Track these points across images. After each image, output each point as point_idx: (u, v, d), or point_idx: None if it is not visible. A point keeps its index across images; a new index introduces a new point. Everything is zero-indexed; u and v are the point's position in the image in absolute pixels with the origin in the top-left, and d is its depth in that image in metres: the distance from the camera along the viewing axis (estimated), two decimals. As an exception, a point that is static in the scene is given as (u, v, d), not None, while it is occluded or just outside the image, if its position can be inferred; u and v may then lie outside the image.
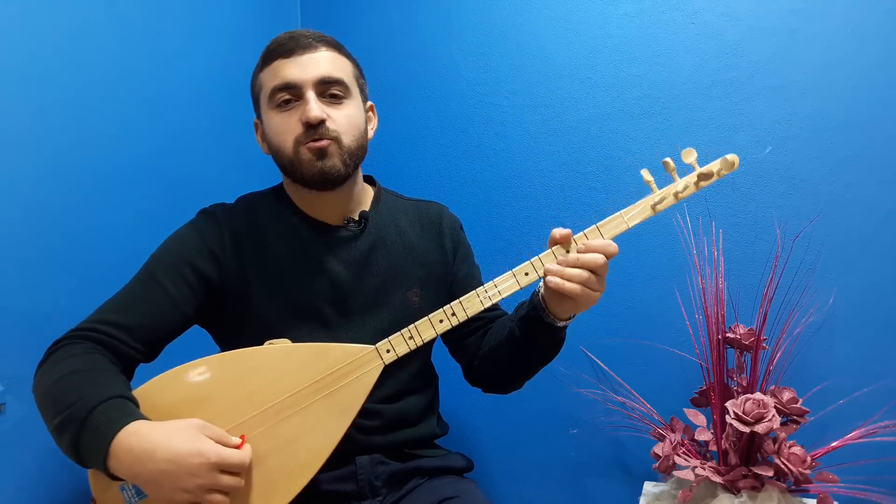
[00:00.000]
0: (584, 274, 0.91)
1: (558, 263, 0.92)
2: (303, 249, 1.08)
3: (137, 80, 1.36)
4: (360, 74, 1.12)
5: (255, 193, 1.15)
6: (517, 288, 0.96)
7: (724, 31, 1.48)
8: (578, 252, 0.92)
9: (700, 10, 1.49)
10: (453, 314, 0.97)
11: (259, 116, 1.10)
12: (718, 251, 1.43)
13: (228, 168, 1.61)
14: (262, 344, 0.98)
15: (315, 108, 1.00)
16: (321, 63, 1.03)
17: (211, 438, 0.86)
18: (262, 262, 1.07)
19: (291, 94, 1.02)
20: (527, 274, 0.96)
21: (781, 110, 1.44)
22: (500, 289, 0.96)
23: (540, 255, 0.96)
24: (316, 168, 1.02)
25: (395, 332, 0.98)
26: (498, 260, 1.66)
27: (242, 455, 0.87)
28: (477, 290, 0.97)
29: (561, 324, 1.00)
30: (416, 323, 0.97)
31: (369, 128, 1.12)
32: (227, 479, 0.85)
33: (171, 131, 1.44)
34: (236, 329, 1.06)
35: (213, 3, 1.58)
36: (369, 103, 1.14)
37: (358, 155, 1.06)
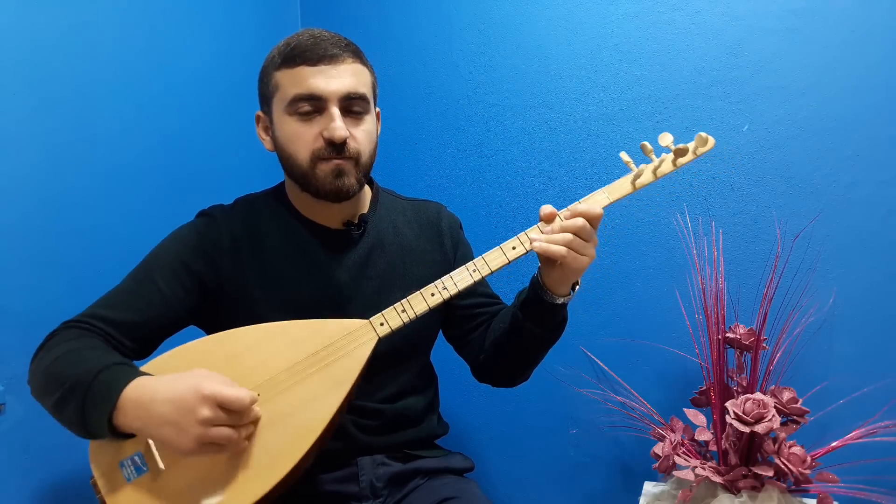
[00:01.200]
0: (568, 236, 0.94)
1: (543, 233, 0.97)
2: (302, 252, 1.08)
3: (136, 79, 1.36)
4: (375, 82, 1.11)
5: (254, 195, 1.15)
6: (505, 261, 0.99)
7: (724, 31, 1.48)
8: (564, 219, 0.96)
9: (700, 10, 1.49)
10: (444, 288, 0.99)
11: (266, 112, 1.08)
12: (718, 251, 1.43)
13: (228, 167, 1.61)
14: None
15: (340, 126, 1.00)
16: (346, 77, 1.02)
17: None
18: (261, 265, 1.06)
19: (314, 105, 1.01)
20: (514, 248, 0.99)
21: (781, 110, 1.44)
22: (488, 262, 0.99)
23: (527, 230, 0.99)
24: (332, 186, 1.02)
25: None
26: (498, 260, 1.66)
27: (240, 392, 0.86)
28: (466, 264, 0.99)
29: (560, 300, 1.01)
30: (409, 297, 0.99)
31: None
32: (227, 412, 0.85)
33: (170, 130, 1.44)
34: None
35: (213, 3, 1.57)
36: (377, 109, 1.14)
37: (369, 169, 1.08)
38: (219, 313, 1.07)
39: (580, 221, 0.94)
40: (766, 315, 1.33)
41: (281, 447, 0.92)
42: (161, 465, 0.91)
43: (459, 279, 0.99)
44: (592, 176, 1.59)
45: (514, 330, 1.06)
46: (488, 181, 1.68)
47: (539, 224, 0.99)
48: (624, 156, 1.00)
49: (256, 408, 0.89)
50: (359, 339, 0.97)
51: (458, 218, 1.24)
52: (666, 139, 0.98)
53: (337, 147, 1.00)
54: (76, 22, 1.23)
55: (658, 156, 0.99)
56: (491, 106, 1.67)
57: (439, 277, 1.15)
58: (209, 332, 1.11)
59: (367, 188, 1.17)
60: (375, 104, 1.12)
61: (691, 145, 0.99)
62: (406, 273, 1.12)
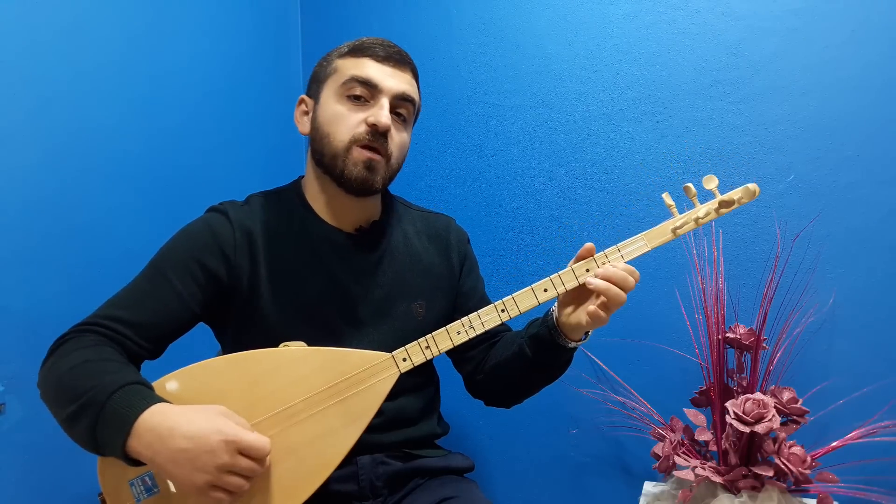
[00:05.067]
0: (623, 296, 0.94)
1: (600, 277, 0.95)
2: (313, 254, 1.07)
3: (136, 77, 1.36)
4: (419, 112, 1.15)
5: (268, 192, 1.14)
6: (535, 304, 0.97)
7: (724, 31, 1.48)
8: (605, 271, 0.95)
9: (700, 10, 1.49)
10: (471, 327, 0.97)
11: (313, 95, 1.10)
12: (718, 251, 1.43)
13: (228, 167, 1.61)
14: (268, 345, 0.98)
15: (388, 115, 1.02)
16: (405, 83, 1.06)
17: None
18: (272, 264, 1.06)
19: (367, 91, 1.03)
20: (545, 290, 0.96)
21: (781, 110, 1.44)
22: (518, 304, 0.97)
23: (560, 273, 0.96)
24: (361, 175, 1.02)
25: (399, 343, 0.97)
26: (497, 260, 1.66)
27: (262, 439, 0.85)
28: (496, 303, 0.97)
29: (573, 345, 1.01)
30: (434, 333, 0.97)
31: None
32: (245, 462, 0.83)
33: (170, 129, 1.44)
34: (242, 329, 1.06)
35: (213, 2, 1.57)
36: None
37: (393, 177, 1.09)
38: (230, 310, 1.06)
39: (631, 281, 0.95)
40: (766, 315, 1.33)
41: (295, 480, 0.90)
42: (172, 489, 0.89)
43: (487, 319, 0.97)
44: (592, 176, 1.59)
45: (520, 363, 1.06)
46: (488, 181, 1.68)
47: (574, 267, 0.96)
48: (667, 198, 0.98)
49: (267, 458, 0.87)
50: (380, 374, 0.95)
51: (467, 232, 1.24)
52: (711, 183, 0.96)
53: (379, 135, 1.02)
54: (75, 21, 1.23)
55: (702, 199, 0.97)
56: (491, 106, 1.67)
57: (444, 290, 1.16)
58: (218, 328, 1.11)
59: (379, 196, 1.17)
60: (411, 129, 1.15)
61: (737, 196, 0.96)
62: (413, 283, 1.12)
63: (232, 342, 1.07)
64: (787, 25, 1.43)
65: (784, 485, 1.21)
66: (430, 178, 1.73)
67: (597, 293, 0.94)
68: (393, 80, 1.04)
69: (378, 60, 1.05)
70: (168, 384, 0.93)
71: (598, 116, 1.58)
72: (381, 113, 1.02)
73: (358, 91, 1.03)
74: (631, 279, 0.95)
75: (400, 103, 1.05)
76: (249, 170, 1.66)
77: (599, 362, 1.57)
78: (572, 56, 1.60)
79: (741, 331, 1.30)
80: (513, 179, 1.66)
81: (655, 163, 1.54)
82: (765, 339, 1.33)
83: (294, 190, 1.13)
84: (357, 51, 1.06)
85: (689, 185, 0.96)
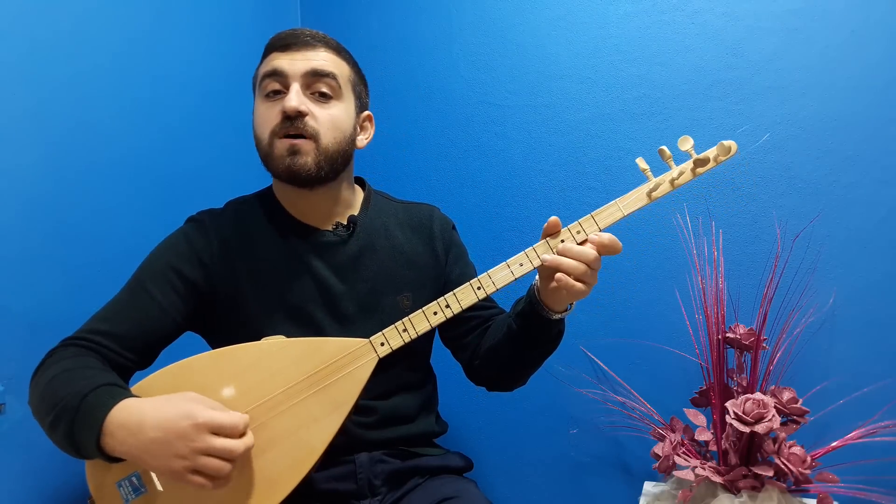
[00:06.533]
0: (583, 268, 0.91)
1: (557, 253, 0.93)
2: (292, 254, 1.07)
3: (136, 79, 1.36)
4: (358, 81, 1.11)
5: (244, 198, 1.15)
6: (512, 279, 0.96)
7: (724, 31, 1.48)
8: (580, 244, 0.93)
9: (700, 10, 1.49)
10: (447, 306, 0.97)
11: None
12: (718, 251, 1.43)
13: (228, 167, 1.61)
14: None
15: (294, 98, 1.00)
16: (314, 59, 1.04)
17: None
18: (252, 268, 1.06)
19: (279, 83, 1.02)
20: (521, 265, 0.96)
21: (781, 110, 1.44)
22: (494, 280, 0.97)
23: (534, 246, 0.96)
24: (286, 163, 1.01)
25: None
26: (497, 260, 1.65)
27: (235, 418, 0.84)
28: (471, 281, 0.97)
29: (557, 316, 1.00)
30: (411, 315, 0.97)
31: (361, 137, 1.12)
32: (220, 442, 0.82)
33: (171, 131, 1.44)
34: (229, 335, 1.06)
35: (213, 3, 1.57)
36: (367, 113, 1.13)
37: (336, 160, 1.05)
38: (214, 318, 1.07)
39: (593, 254, 0.91)
40: (766, 315, 1.33)
41: (280, 470, 0.91)
42: (159, 487, 0.90)
43: (463, 297, 0.97)
44: (592, 176, 1.59)
45: (510, 340, 1.06)
46: (488, 181, 1.68)
47: (547, 239, 0.95)
48: (641, 162, 0.95)
49: (248, 435, 0.86)
50: (359, 360, 0.96)
51: (451, 219, 1.23)
52: (686, 144, 0.93)
53: (291, 120, 1.00)
54: (75, 19, 1.23)
55: (677, 161, 0.94)
56: (491, 106, 1.67)
57: (431, 280, 1.15)
58: (207, 337, 1.12)
59: (358, 189, 1.17)
60: (362, 107, 1.12)
61: (712, 154, 0.93)
62: (397, 276, 1.12)
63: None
64: (787, 25, 1.43)
65: (784, 485, 1.21)
66: (429, 178, 1.73)
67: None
68: (300, 62, 1.02)
69: (282, 50, 1.04)
70: (150, 384, 0.94)
71: (598, 116, 1.58)
72: (288, 97, 1.00)
73: (274, 86, 1.03)
74: (591, 252, 0.91)
75: (315, 81, 1.03)
76: (249, 170, 1.65)
77: (599, 362, 1.57)
78: (572, 56, 1.60)
79: (741, 331, 1.30)
80: (513, 179, 1.66)
81: (656, 163, 1.53)
82: (765, 339, 1.33)
83: (269, 193, 1.13)
84: (265, 50, 1.07)
85: (664, 147, 0.93)
